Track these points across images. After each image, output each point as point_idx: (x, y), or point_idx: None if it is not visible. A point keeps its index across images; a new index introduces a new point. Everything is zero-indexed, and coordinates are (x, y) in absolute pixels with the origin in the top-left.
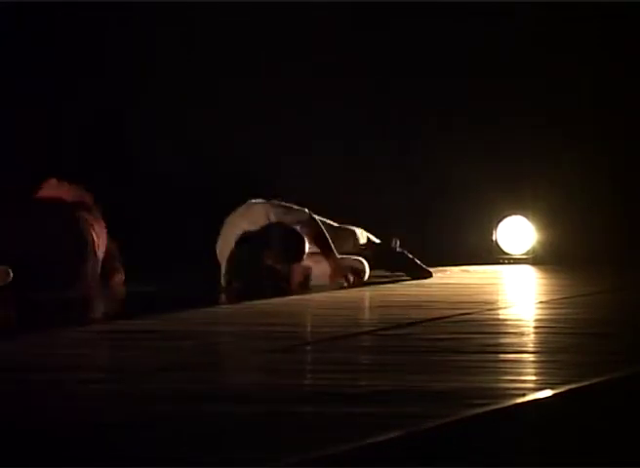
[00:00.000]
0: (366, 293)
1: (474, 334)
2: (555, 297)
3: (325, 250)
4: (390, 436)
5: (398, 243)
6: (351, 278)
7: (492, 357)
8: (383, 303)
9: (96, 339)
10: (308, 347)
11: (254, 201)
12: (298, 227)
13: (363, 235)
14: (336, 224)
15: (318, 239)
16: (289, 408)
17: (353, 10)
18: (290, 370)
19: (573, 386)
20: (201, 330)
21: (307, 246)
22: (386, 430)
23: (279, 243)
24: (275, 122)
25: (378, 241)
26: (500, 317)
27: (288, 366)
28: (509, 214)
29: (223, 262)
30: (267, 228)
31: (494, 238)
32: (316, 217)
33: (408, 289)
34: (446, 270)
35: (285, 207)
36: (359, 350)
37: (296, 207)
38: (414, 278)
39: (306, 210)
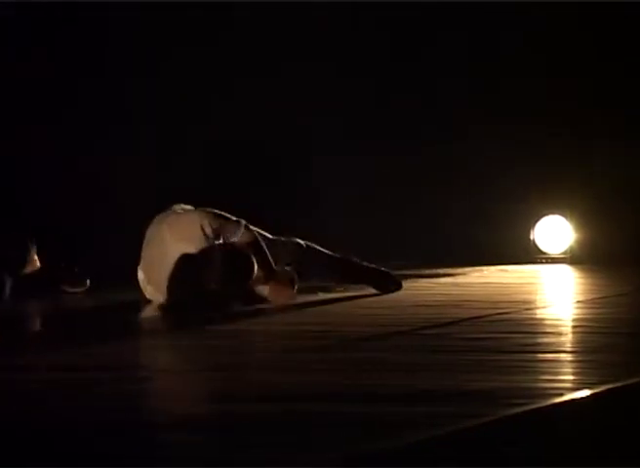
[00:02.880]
0: (404, 292)
1: (512, 334)
2: (593, 297)
3: (263, 264)
4: (429, 435)
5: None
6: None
7: (529, 356)
8: (422, 302)
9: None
10: (345, 346)
11: (181, 207)
12: (235, 239)
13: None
14: (271, 236)
15: (256, 254)
16: (328, 406)
17: (353, 10)
18: (326, 370)
19: (610, 386)
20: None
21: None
22: (424, 429)
23: (224, 264)
24: (274, 122)
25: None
26: (538, 316)
27: (324, 365)
28: (547, 214)
29: (158, 286)
30: (209, 250)
31: (531, 237)
32: (252, 229)
33: (447, 288)
34: (483, 270)
35: (219, 217)
36: (397, 349)
37: (230, 217)
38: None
39: (242, 221)
